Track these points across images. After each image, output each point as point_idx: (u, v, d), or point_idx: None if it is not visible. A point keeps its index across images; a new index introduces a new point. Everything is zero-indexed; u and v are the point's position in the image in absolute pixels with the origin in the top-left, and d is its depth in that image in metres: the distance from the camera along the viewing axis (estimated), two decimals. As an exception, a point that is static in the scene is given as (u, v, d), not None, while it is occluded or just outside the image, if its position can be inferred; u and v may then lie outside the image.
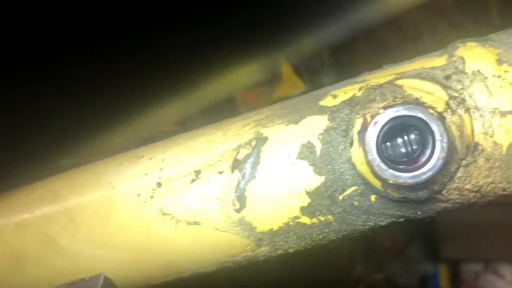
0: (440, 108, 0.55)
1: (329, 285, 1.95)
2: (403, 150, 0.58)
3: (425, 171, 0.52)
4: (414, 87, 0.57)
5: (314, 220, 0.62)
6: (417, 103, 0.54)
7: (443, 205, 0.60)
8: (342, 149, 0.59)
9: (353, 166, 0.58)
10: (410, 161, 0.56)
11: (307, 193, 0.60)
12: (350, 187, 0.59)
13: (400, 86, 0.57)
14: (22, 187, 0.75)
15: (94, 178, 0.69)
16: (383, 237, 3.00)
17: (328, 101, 0.63)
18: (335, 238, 0.65)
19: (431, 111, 0.52)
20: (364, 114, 0.57)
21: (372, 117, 0.54)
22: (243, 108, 2.11)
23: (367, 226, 0.63)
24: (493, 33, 0.63)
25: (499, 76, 0.56)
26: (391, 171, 0.53)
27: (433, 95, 0.56)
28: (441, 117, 0.53)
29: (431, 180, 0.54)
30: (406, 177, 0.52)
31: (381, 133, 0.54)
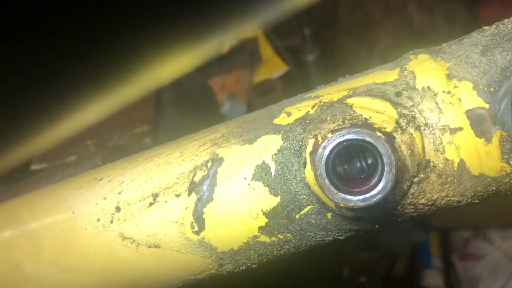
0: (389, 128, 0.55)
1: (315, 265, 1.97)
2: (358, 164, 0.59)
3: (375, 193, 0.52)
4: (364, 107, 0.57)
5: (273, 238, 0.62)
6: (366, 125, 0.54)
7: (399, 218, 0.61)
8: (296, 170, 0.59)
9: (308, 186, 0.58)
10: (367, 176, 0.56)
11: (264, 213, 0.60)
12: (306, 206, 0.60)
13: (350, 106, 0.57)
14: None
15: (55, 202, 0.69)
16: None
17: (282, 119, 0.62)
18: (296, 253, 0.65)
19: (378, 134, 0.52)
20: (315, 135, 0.56)
21: (323, 139, 0.54)
22: (221, 95, 2.09)
23: (327, 241, 0.64)
24: (445, 43, 0.62)
25: (448, 92, 0.56)
26: (341, 194, 0.53)
27: (383, 114, 0.56)
28: (390, 138, 0.53)
29: (383, 201, 0.54)
30: (356, 200, 0.52)
31: (331, 157, 0.53)
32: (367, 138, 0.52)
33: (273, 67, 2.45)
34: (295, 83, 2.50)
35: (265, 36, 2.50)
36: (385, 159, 0.52)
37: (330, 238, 0.63)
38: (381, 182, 0.52)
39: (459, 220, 2.89)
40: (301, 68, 2.71)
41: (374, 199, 0.52)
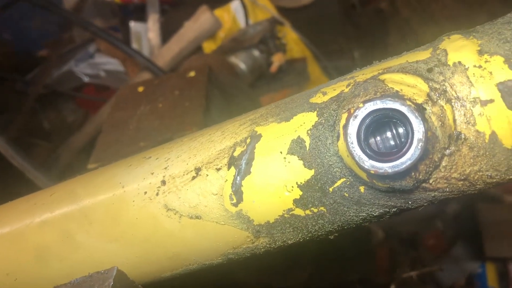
0: (420, 100, 0.57)
1: (363, 286, 1.95)
2: (392, 143, 0.61)
3: (404, 160, 0.54)
4: (395, 81, 0.59)
5: (308, 211, 0.64)
6: (396, 96, 0.56)
7: (432, 194, 0.62)
8: (329, 143, 0.62)
9: (341, 159, 0.61)
10: (396, 152, 0.58)
11: (299, 186, 0.63)
12: (339, 179, 0.62)
13: (383, 81, 0.60)
14: (45, 189, 0.82)
15: (107, 179, 0.75)
16: (426, 236, 2.97)
17: (318, 98, 0.65)
18: (331, 229, 0.67)
19: (408, 103, 0.54)
20: (348, 109, 0.59)
21: (354, 110, 0.57)
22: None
23: (360, 217, 0.65)
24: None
25: (479, 66, 0.57)
26: (371, 161, 0.55)
27: (414, 87, 0.58)
28: (419, 108, 0.55)
29: (413, 169, 0.56)
30: (386, 167, 0.54)
31: (363, 126, 0.56)
32: (396, 107, 0.54)
33: (321, 86, 2.49)
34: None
35: (313, 56, 2.55)
36: (414, 127, 0.54)
37: (364, 214, 0.65)
38: (410, 149, 0.54)
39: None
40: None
41: (403, 166, 0.54)
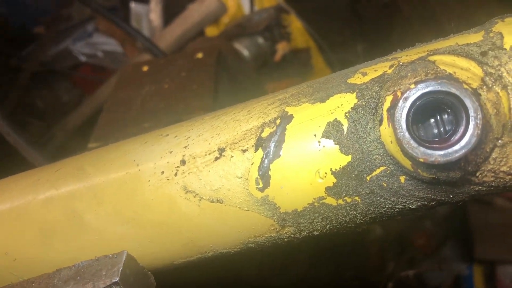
0: (474, 85, 0.52)
1: (359, 282, 1.92)
2: (435, 131, 0.56)
3: (458, 149, 0.49)
4: (447, 63, 0.54)
5: (340, 201, 0.60)
6: (451, 78, 0.51)
7: (476, 188, 0.57)
8: (370, 128, 0.57)
9: (382, 145, 0.56)
10: (442, 141, 0.53)
11: (333, 173, 0.58)
12: (378, 167, 0.57)
13: (433, 62, 0.55)
14: (49, 165, 0.76)
15: (119, 156, 0.69)
16: (416, 236, 2.95)
17: (357, 79, 0.60)
18: (362, 221, 0.62)
19: (465, 86, 0.50)
20: (394, 91, 0.54)
21: (403, 93, 0.52)
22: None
23: (396, 209, 0.61)
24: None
25: (540, 51, 0.52)
26: (421, 148, 0.50)
27: (468, 71, 0.54)
28: (475, 93, 0.51)
29: (464, 159, 0.51)
30: (437, 155, 0.49)
31: (412, 109, 0.51)
32: (453, 90, 0.49)
33: (324, 78, 2.43)
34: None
35: (317, 47, 2.49)
36: (471, 113, 0.49)
37: (400, 206, 0.60)
38: (465, 136, 0.49)
39: (505, 254, 2.77)
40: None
41: (457, 154, 0.49)
